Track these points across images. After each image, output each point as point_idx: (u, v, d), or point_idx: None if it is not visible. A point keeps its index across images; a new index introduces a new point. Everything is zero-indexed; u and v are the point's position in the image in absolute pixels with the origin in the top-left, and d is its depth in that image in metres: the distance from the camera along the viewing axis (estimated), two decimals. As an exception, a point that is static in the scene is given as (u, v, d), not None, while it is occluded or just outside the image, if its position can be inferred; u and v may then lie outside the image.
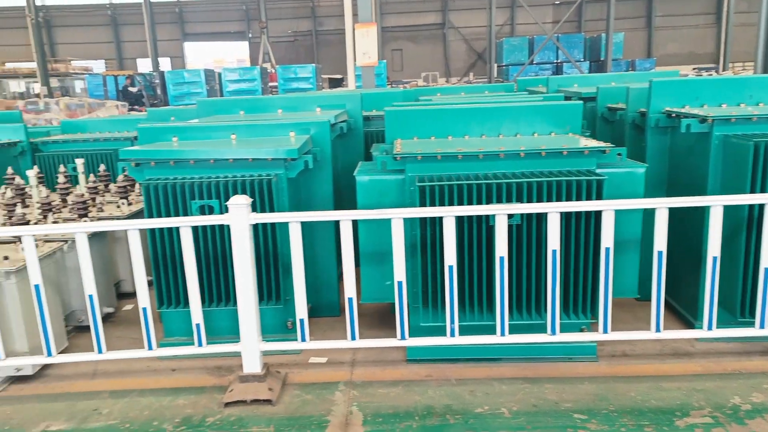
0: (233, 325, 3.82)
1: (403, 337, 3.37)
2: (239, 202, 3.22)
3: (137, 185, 5.63)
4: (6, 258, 3.61)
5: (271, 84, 25.29)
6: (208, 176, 3.75)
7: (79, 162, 5.65)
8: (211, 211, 3.72)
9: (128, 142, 6.85)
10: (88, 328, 4.39)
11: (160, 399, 3.44)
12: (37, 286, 3.35)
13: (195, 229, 3.47)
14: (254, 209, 3.39)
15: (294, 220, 3.26)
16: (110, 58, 44.30)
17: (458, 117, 4.05)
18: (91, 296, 3.38)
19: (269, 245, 3.74)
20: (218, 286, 3.84)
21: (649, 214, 3.33)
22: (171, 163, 3.76)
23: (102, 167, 5.91)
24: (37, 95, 31.17)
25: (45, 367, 3.81)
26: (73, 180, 6.01)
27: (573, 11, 33.36)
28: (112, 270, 4.90)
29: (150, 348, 3.46)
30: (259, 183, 3.68)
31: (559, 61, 31.03)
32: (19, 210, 3.87)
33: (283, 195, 3.78)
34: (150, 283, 5.33)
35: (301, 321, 3.40)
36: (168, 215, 3.73)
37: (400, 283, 3.29)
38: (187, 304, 3.84)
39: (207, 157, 3.73)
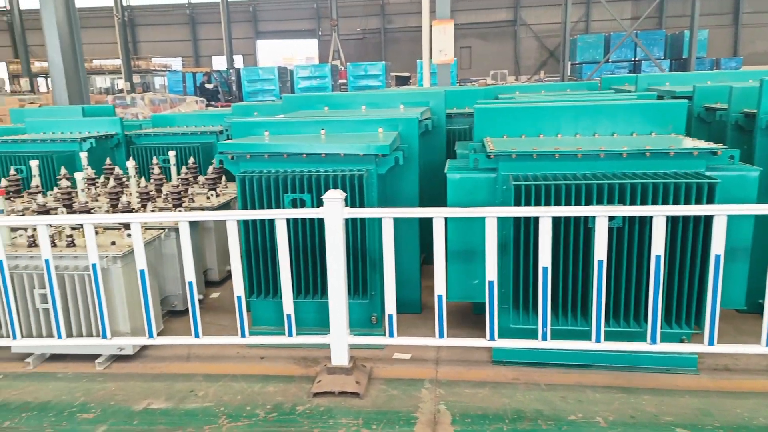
0: (319, 316, 3.91)
1: (492, 338, 3.32)
2: (334, 197, 3.27)
3: (224, 177, 5.84)
4: (113, 243, 3.82)
5: (340, 81, 25.64)
6: (300, 170, 3.82)
7: (171, 154, 5.92)
8: (302, 205, 3.80)
9: (214, 135, 7.13)
10: (179, 312, 4.65)
11: (252, 385, 3.55)
12: (142, 272, 3.53)
13: (287, 221, 3.55)
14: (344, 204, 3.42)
15: (387, 215, 3.27)
16: (187, 55, 46.26)
17: (551, 115, 3.94)
18: (190, 283, 3.53)
19: (357, 240, 3.78)
20: (306, 278, 3.92)
21: (759, 221, 3.13)
22: (265, 157, 3.87)
23: (191, 160, 6.16)
24: (121, 90, 33.00)
25: (144, 347, 4.01)
26: (165, 171, 6.32)
27: (654, 7, 31.86)
28: (202, 259, 5.10)
29: (243, 335, 3.57)
30: (350, 178, 3.72)
31: (636, 59, 29.78)
32: (124, 199, 4.09)
33: (372, 190, 3.80)
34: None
35: (390, 317, 3.41)
36: (261, 207, 3.84)
37: (491, 283, 3.24)
38: (275, 294, 3.96)
39: (300, 152, 3.80)
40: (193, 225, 4.73)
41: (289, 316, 3.52)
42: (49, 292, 3.61)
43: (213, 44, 45.28)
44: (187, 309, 4.66)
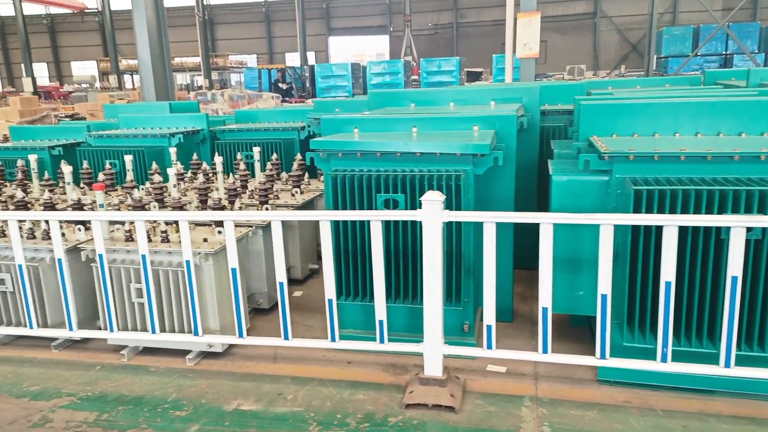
0: (409, 322, 3.75)
1: (603, 356, 3.04)
2: (433, 199, 3.08)
3: (306, 174, 5.79)
4: (205, 240, 3.82)
5: (412, 77, 25.45)
6: (393, 169, 3.67)
7: (256, 150, 5.93)
8: (395, 206, 3.64)
9: (295, 132, 7.13)
10: (264, 310, 4.63)
11: (340, 391, 3.43)
12: (234, 270, 3.49)
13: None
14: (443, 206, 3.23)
15: (490, 220, 3.05)
16: (262, 52, 47.49)
17: (669, 112, 3.58)
18: (281, 284, 3.45)
19: (452, 244, 3.58)
20: (396, 282, 3.77)
21: None
22: (358, 155, 3.74)
23: (274, 156, 6.15)
24: (200, 87, 34.29)
25: (231, 345, 3.99)
26: (248, 167, 6.37)
27: (749, -4, 29.65)
28: (285, 257, 5.06)
29: (333, 339, 3.46)
30: (447, 179, 3.53)
31: (728, 52, 27.82)
32: (216, 195, 4.09)
33: (469, 192, 3.59)
34: (314, 272, 5.53)
35: (489, 328, 3.20)
36: (353, 207, 3.71)
37: (604, 297, 2.96)
38: (364, 296, 3.83)
39: (394, 150, 3.64)
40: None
41: (381, 322, 3.37)
42: (145, 287, 3.64)
43: (287, 41, 46.24)
44: (271, 307, 4.68)
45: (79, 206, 4.28)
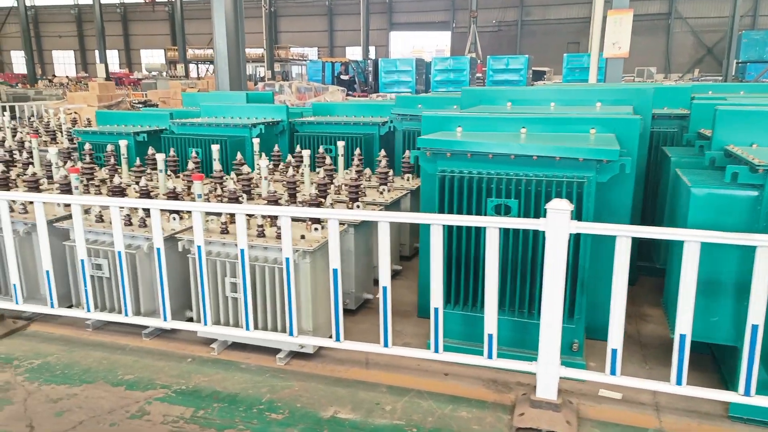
0: (513, 336, 3.53)
1: (747, 393, 2.72)
2: (561, 207, 2.83)
3: (391, 172, 5.61)
4: (303, 237, 3.69)
5: (477, 75, 24.98)
6: (506, 173, 3.43)
7: (340, 145, 5.78)
8: (507, 212, 3.40)
9: (376, 127, 6.97)
10: (349, 311, 4.47)
11: (441, 406, 3.24)
12: (335, 271, 3.34)
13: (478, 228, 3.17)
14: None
15: (625, 234, 2.78)
16: (323, 45, 47.85)
17: (824, 123, 3.20)
18: (385, 288, 3.28)
19: (569, 256, 3.31)
20: (502, 292, 3.53)
21: None
22: (468, 156, 3.51)
23: (357, 151, 6.00)
24: (262, 78, 34.79)
25: (321, 347, 3.85)
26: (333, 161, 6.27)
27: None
28: (371, 257, 4.90)
29: (436, 350, 3.27)
30: (568, 185, 3.27)
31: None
32: (312, 191, 3.96)
33: (591, 201, 3.32)
34: (396, 273, 5.35)
35: (614, 352, 2.92)
36: (459, 210, 3.50)
37: (755, 328, 2.64)
38: (465, 305, 3.63)
39: (509, 152, 3.40)
40: (366, 222, 4.55)
41: (491, 336, 3.15)
42: (241, 283, 3.54)
43: (348, 35, 46.44)
44: (358, 308, 4.54)
45: (174, 195, 4.24)
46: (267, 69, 34.36)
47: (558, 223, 2.84)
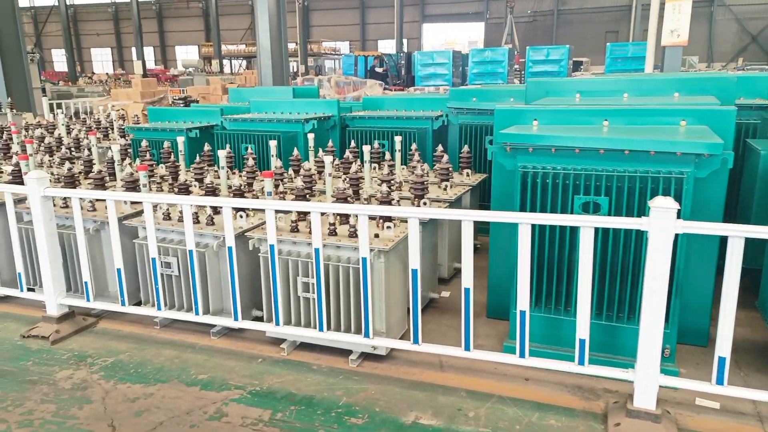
0: (601, 340, 3.35)
1: None
2: (666, 206, 2.65)
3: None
4: (376, 236, 3.58)
5: (514, 66, 24.54)
6: (593, 168, 3.25)
7: (398, 140, 5.64)
8: (596, 210, 3.23)
9: (429, 121, 6.82)
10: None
11: (527, 413, 3.10)
12: (414, 272, 3.22)
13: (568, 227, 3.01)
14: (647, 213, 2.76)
15: (739, 234, 2.59)
16: (354, 39, 47.76)
17: None
18: (467, 290, 3.15)
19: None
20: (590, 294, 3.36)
21: None
22: (552, 150, 3.35)
23: (414, 146, 5.86)
24: (295, 73, 34.89)
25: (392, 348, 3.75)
26: (382, 156, 6.16)
27: None
28: (436, 254, 4.78)
29: (522, 355, 3.13)
30: (665, 181, 3.08)
31: None
32: (384, 188, 3.84)
33: (689, 198, 3.12)
34: (458, 271, 5.21)
35: (722, 360, 2.74)
36: (543, 208, 3.34)
37: None
38: (548, 307, 3.47)
39: (598, 147, 3.22)
40: (434, 220, 4.43)
41: (582, 341, 2.99)
42: (316, 283, 3.46)
43: (380, 28, 46.27)
44: (423, 307, 4.42)
45: (240, 192, 4.18)
46: (300, 63, 34.42)
47: (663, 223, 2.66)
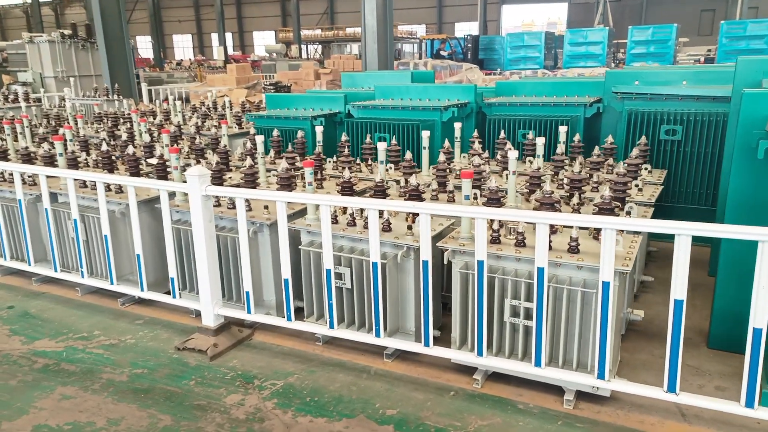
0: None
1: None
2: None
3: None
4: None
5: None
6: None
7: (562, 130, 4.92)
8: None
9: (581, 108, 6.03)
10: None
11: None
12: (679, 303, 2.54)
13: None
14: None
15: None
16: (431, 22, 46.62)
17: None
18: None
19: None
20: None
21: None
22: None
23: (577, 137, 5.10)
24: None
25: (614, 387, 3.09)
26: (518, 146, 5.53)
27: None
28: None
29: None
30: None
31: None
32: (606, 192, 3.17)
33: None
34: (644, 284, 4.46)
35: None
36: None
37: None
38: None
39: None
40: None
41: None
42: (537, 309, 2.84)
43: (457, 11, 45.00)
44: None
45: (416, 193, 3.61)
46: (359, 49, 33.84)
47: None
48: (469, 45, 28.39)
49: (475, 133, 5.46)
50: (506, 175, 3.82)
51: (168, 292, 4.31)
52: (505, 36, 24.79)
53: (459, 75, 14.96)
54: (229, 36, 52.30)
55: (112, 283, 4.13)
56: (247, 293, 3.55)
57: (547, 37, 23.10)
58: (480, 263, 2.88)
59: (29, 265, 4.52)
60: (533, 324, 2.88)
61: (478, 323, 2.98)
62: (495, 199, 3.33)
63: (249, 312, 3.59)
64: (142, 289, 4.00)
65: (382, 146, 4.13)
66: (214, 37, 51.79)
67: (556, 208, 3.19)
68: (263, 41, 50.54)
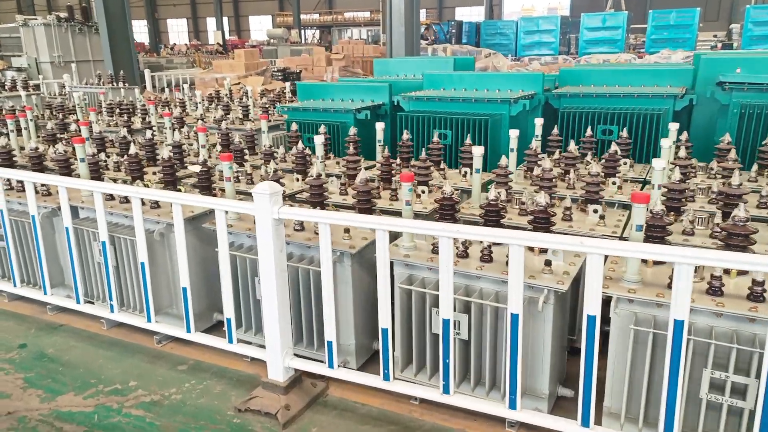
0: None
1: None
2: None
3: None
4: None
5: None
6: None
7: (673, 128, 4.18)
8: None
9: (670, 100, 5.28)
10: None
11: None
12: None
13: None
14: None
15: None
16: (431, 7, 45.49)
17: None
18: None
19: None
20: None
21: None
22: None
23: (685, 135, 4.35)
24: (375, 42, 33.38)
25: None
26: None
27: None
28: None
29: None
30: None
31: None
32: (740, 214, 2.43)
33: None
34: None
35: None
36: None
37: None
38: None
39: None
40: None
41: None
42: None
43: (459, -6, 43.93)
44: None
45: (544, 218, 2.85)
46: (383, 32, 32.82)
47: None
48: (453, 30, 27.42)
49: (555, 130, 4.70)
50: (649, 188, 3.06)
51: (213, 328, 3.59)
52: (518, 20, 23.81)
53: (483, 62, 14.13)
54: (224, 20, 50.94)
55: (149, 320, 3.36)
56: (330, 343, 2.79)
57: (563, 22, 22.22)
58: (678, 325, 2.12)
59: (45, 294, 3.74)
60: (746, 405, 2.14)
61: (668, 401, 2.23)
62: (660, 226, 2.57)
63: (331, 366, 2.84)
64: (188, 330, 3.23)
65: (478, 151, 3.34)
66: (210, 21, 50.37)
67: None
68: (260, 26, 49.22)
